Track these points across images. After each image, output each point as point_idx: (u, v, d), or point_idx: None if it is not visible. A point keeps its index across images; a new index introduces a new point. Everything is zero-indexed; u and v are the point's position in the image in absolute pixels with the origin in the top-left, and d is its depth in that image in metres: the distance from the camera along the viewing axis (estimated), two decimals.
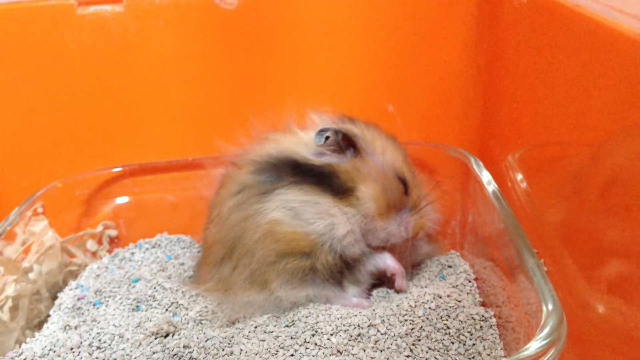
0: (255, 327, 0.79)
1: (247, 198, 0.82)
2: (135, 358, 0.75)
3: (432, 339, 0.74)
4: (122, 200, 1.10)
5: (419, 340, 0.74)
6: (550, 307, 0.60)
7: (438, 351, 0.73)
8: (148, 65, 1.07)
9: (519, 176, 0.92)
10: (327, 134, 0.80)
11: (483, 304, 0.83)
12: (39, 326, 0.92)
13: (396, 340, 0.74)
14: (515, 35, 0.92)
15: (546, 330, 0.58)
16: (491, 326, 0.76)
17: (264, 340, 0.76)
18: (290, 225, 0.80)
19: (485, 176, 0.88)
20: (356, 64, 1.08)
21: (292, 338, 0.76)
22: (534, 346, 0.57)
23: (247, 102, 1.09)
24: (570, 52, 0.75)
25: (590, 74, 0.71)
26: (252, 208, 0.82)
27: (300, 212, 0.80)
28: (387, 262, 0.86)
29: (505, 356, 0.73)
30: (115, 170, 1.08)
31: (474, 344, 0.74)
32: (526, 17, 0.88)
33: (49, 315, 0.93)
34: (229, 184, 0.86)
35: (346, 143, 0.82)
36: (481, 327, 0.76)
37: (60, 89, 1.07)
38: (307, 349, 0.74)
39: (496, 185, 0.85)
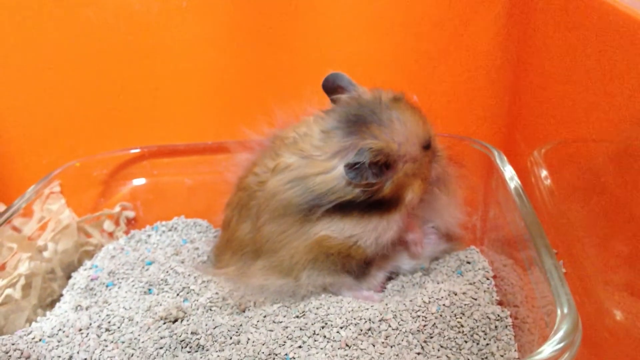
0: (265, 317, 0.78)
1: (289, 222, 0.80)
2: (142, 342, 0.74)
3: (444, 336, 0.72)
4: (140, 181, 1.10)
5: (431, 337, 0.72)
6: (565, 310, 0.58)
7: (450, 349, 0.71)
8: (170, 46, 1.06)
9: (544, 173, 0.89)
10: (357, 167, 0.75)
11: (500, 303, 0.81)
12: (52, 305, 0.92)
13: (407, 337, 0.72)
14: (545, 28, 0.89)
15: (560, 334, 0.55)
16: (506, 326, 0.74)
17: (272, 330, 0.75)
18: (339, 239, 0.80)
19: (508, 171, 0.86)
20: (381, 52, 1.06)
21: (301, 329, 0.74)
22: (546, 350, 0.55)
23: (268, 87, 1.08)
24: (600, 47, 0.73)
25: (620, 71, 0.68)
26: (294, 230, 0.80)
27: (347, 231, 0.79)
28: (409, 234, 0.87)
29: (519, 358, 0.70)
30: (133, 151, 1.08)
31: (487, 344, 0.72)
32: (557, 9, 0.85)
33: (62, 295, 0.93)
34: (266, 193, 0.82)
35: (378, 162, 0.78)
36: (496, 327, 0.74)
37: (82, 69, 1.07)
38: (315, 341, 0.72)
39: (519, 182, 0.82)
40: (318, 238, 0.79)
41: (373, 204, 0.78)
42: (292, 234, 0.80)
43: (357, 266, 0.83)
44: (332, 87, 0.85)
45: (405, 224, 0.84)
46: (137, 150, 1.08)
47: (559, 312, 0.58)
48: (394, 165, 0.78)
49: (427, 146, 0.82)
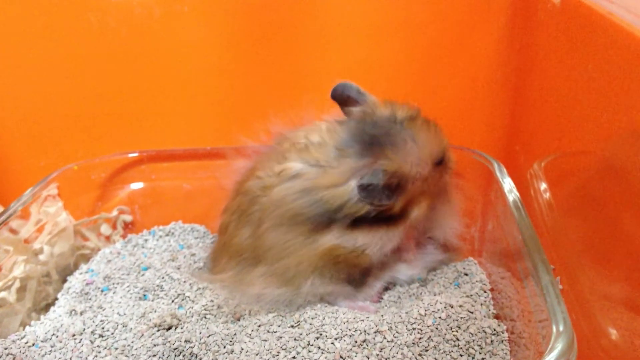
0: (259, 326, 0.78)
1: (296, 231, 0.80)
2: (136, 349, 0.74)
3: (440, 350, 0.71)
4: (138, 186, 1.09)
5: (426, 350, 0.71)
6: (561, 328, 0.57)
7: None
8: (170, 51, 1.06)
9: (543, 186, 0.88)
10: (371, 192, 0.76)
11: (497, 317, 0.80)
12: (46, 309, 0.92)
13: (402, 349, 0.71)
14: (546, 39, 0.89)
15: (555, 353, 0.55)
16: (502, 341, 0.73)
17: (266, 340, 0.74)
18: (348, 248, 0.80)
19: (507, 184, 0.85)
20: (382, 61, 1.05)
21: (295, 339, 0.74)
22: None
23: (268, 94, 1.08)
24: (600, 60, 0.72)
25: (619, 84, 0.68)
26: (301, 239, 0.80)
27: (358, 241, 0.80)
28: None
29: None
30: (132, 155, 1.07)
31: (483, 359, 0.71)
32: (558, 21, 0.84)
33: (56, 298, 0.92)
34: (271, 199, 0.82)
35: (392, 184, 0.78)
36: (492, 341, 0.73)
37: (82, 72, 1.07)
38: (309, 352, 0.72)
39: (518, 194, 0.82)
40: (327, 248, 0.79)
41: (381, 217, 0.79)
42: (299, 243, 0.80)
43: (359, 274, 0.83)
44: (341, 97, 0.85)
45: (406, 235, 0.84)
46: (136, 154, 1.08)
47: (554, 329, 0.58)
48: (405, 186, 0.79)
49: (439, 162, 0.83)
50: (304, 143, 0.81)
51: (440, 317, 0.75)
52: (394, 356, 0.70)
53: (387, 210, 0.79)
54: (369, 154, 0.77)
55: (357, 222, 0.79)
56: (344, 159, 0.78)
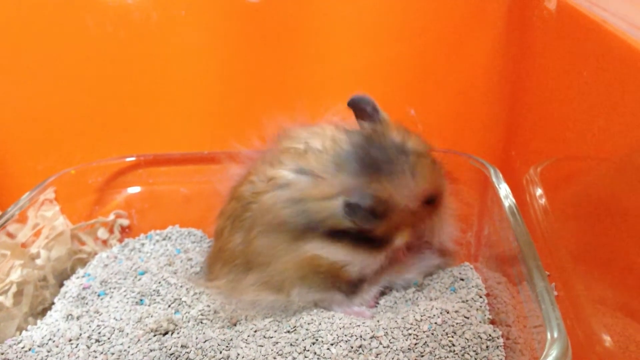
0: (255, 331, 0.78)
1: (281, 237, 0.81)
2: (132, 354, 0.74)
3: (435, 355, 0.72)
4: (135, 190, 1.09)
5: (422, 356, 0.72)
6: (555, 334, 0.57)
7: None
8: (168, 55, 1.06)
9: (539, 191, 0.88)
10: (354, 212, 0.76)
11: (492, 322, 0.80)
12: (43, 313, 0.92)
13: (398, 355, 0.71)
14: (542, 45, 0.89)
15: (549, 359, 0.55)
16: (498, 347, 0.74)
17: (262, 346, 0.74)
18: (329, 260, 0.80)
19: (503, 189, 0.85)
20: (379, 65, 1.06)
21: (291, 345, 0.74)
22: None
23: (266, 98, 1.08)
24: (594, 67, 0.73)
25: (614, 90, 0.68)
26: (286, 246, 0.81)
27: (337, 256, 0.80)
28: None
29: None
30: (129, 159, 1.08)
31: None
32: (554, 27, 0.85)
33: (53, 303, 0.92)
34: (261, 207, 0.82)
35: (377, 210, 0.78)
36: (487, 346, 0.73)
37: (79, 76, 1.07)
38: (305, 357, 0.72)
39: (513, 200, 0.82)
40: (308, 256, 0.80)
41: (363, 237, 0.79)
42: (283, 249, 0.80)
43: (346, 285, 0.83)
44: (356, 108, 0.85)
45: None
46: (133, 159, 1.08)
47: (549, 336, 0.58)
48: (390, 214, 0.79)
49: (430, 201, 0.83)
50: (304, 147, 0.81)
51: (436, 323, 0.75)
52: None
53: (368, 232, 0.79)
54: (365, 175, 0.77)
55: (339, 237, 0.79)
56: (338, 173, 0.78)
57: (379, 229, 0.79)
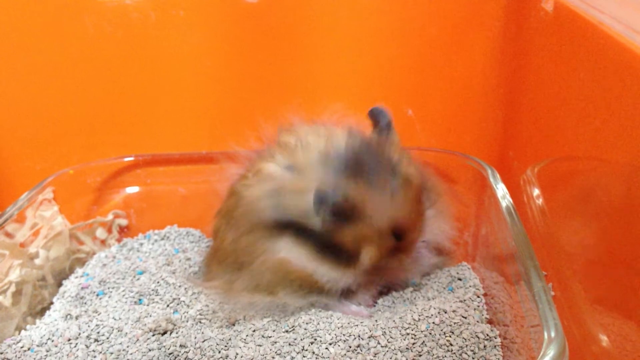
0: (254, 331, 0.78)
1: (259, 235, 0.81)
2: (131, 354, 0.74)
3: (433, 355, 0.72)
4: (133, 190, 1.10)
5: (420, 355, 0.72)
6: (552, 334, 0.58)
7: None
8: (166, 55, 1.06)
9: (536, 191, 0.89)
10: (323, 202, 0.74)
11: (490, 322, 0.81)
12: (42, 313, 0.92)
13: (396, 355, 0.72)
14: (539, 46, 0.90)
15: (546, 359, 0.55)
16: (495, 346, 0.74)
17: (260, 345, 0.75)
18: (298, 265, 0.80)
19: (501, 189, 0.86)
20: (377, 66, 1.06)
21: (290, 344, 0.74)
22: None
23: (264, 99, 1.08)
24: (591, 68, 0.73)
25: (610, 91, 0.69)
26: (261, 244, 0.81)
27: (303, 261, 0.80)
28: None
29: None
30: (127, 159, 1.08)
31: None
32: (551, 29, 0.85)
33: (52, 302, 0.93)
34: (246, 200, 0.82)
35: (345, 208, 0.76)
36: (485, 346, 0.74)
37: (78, 76, 1.07)
38: (304, 357, 0.72)
39: (511, 200, 0.83)
40: (278, 259, 0.79)
41: (329, 245, 0.78)
42: (260, 248, 0.80)
43: (330, 293, 0.82)
44: (373, 118, 0.84)
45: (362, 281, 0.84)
46: (131, 159, 1.08)
47: (546, 336, 0.58)
48: (355, 221, 0.77)
49: (397, 236, 0.80)
50: (296, 143, 0.80)
51: (433, 323, 0.76)
52: None
53: (332, 236, 0.77)
54: (346, 174, 0.75)
55: (306, 239, 0.78)
56: (320, 167, 0.76)
57: (342, 233, 0.77)
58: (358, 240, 0.78)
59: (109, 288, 0.91)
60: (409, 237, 0.82)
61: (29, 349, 0.78)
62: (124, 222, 1.11)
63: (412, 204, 0.81)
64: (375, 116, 0.84)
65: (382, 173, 0.77)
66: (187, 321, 0.81)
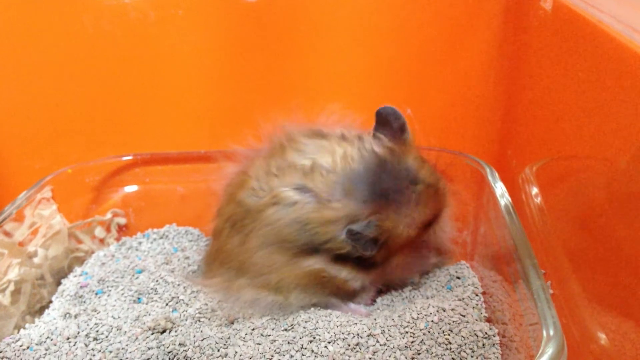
0: (253, 329, 0.78)
1: (282, 254, 0.81)
2: (130, 352, 0.74)
3: (432, 353, 0.72)
4: (132, 189, 1.10)
5: (419, 354, 0.72)
6: (551, 332, 0.58)
7: None
8: (165, 54, 1.06)
9: (535, 190, 0.89)
10: (357, 240, 0.76)
11: (489, 320, 0.81)
12: (41, 312, 0.92)
13: (395, 353, 0.72)
14: (538, 45, 0.90)
15: (545, 358, 0.55)
16: (494, 344, 0.74)
17: (259, 344, 0.75)
18: (332, 274, 0.81)
19: (499, 188, 0.86)
20: (375, 65, 1.06)
21: (289, 343, 0.74)
22: None
23: (262, 97, 1.08)
24: (590, 67, 0.73)
25: (608, 90, 0.69)
26: (285, 260, 0.81)
27: (338, 272, 0.81)
28: None
29: None
30: (126, 158, 1.08)
31: None
32: (550, 28, 0.85)
33: (51, 301, 0.92)
34: (263, 221, 0.81)
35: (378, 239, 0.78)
36: (484, 344, 0.74)
37: (76, 75, 1.07)
38: (303, 355, 0.72)
39: (509, 199, 0.83)
40: (312, 269, 0.80)
41: (362, 258, 0.79)
42: (281, 263, 0.81)
43: (345, 293, 0.85)
44: (382, 119, 0.82)
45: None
46: (130, 158, 1.08)
47: (544, 334, 0.58)
48: (391, 242, 0.79)
49: (429, 224, 0.83)
50: (311, 165, 0.78)
51: (432, 321, 0.76)
52: (387, 359, 0.71)
53: (368, 256, 0.79)
54: (372, 202, 0.76)
55: (341, 258, 0.79)
56: (346, 199, 0.76)
57: (378, 255, 0.79)
58: (391, 251, 0.81)
59: (107, 287, 0.91)
60: (436, 218, 0.85)
61: (28, 347, 0.78)
62: (122, 220, 1.11)
63: (435, 197, 0.82)
64: (385, 117, 0.82)
65: (404, 187, 0.78)
66: (186, 320, 0.81)
